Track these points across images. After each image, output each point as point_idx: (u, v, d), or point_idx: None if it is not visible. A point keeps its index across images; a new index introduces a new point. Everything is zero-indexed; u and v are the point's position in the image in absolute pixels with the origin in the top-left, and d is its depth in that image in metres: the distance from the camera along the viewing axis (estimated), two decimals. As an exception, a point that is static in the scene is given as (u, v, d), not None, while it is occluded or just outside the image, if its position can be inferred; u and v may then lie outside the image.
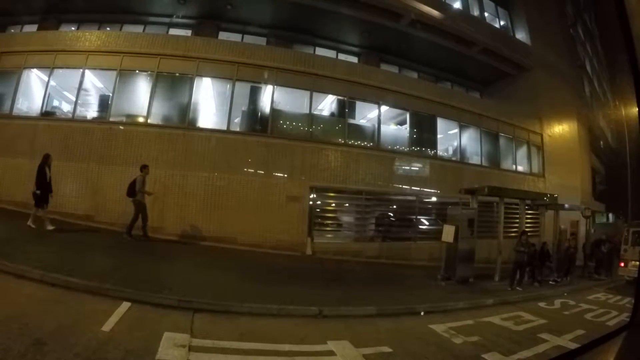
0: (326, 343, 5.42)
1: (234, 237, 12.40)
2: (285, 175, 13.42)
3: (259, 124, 14.20)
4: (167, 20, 18.02)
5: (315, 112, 15.04)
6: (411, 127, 16.35)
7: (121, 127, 13.07)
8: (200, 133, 13.29)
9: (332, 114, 15.81)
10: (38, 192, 9.89)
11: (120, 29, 17.44)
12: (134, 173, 12.06)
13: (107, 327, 4.83)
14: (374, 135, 15.49)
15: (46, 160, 10.22)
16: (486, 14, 21.33)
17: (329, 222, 14.37)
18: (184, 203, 12.33)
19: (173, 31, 17.72)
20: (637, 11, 2.09)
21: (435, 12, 17.96)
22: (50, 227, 10.00)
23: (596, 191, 26.36)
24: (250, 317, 6.16)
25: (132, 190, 10.88)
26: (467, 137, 18.04)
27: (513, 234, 14.38)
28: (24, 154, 12.60)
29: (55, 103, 15.00)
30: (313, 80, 14.31)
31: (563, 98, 21.86)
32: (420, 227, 15.52)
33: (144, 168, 11.04)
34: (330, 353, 5.13)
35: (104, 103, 13.91)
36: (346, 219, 14.87)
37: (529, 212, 15.92)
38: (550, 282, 13.03)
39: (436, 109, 16.64)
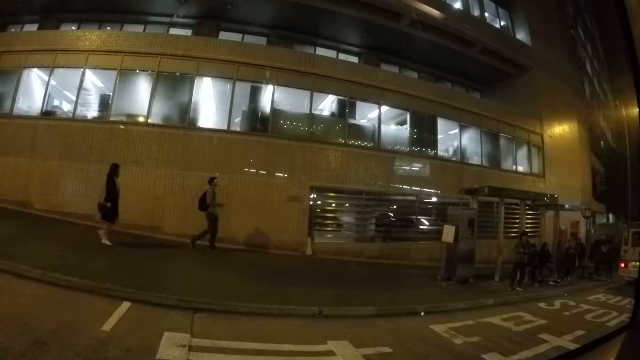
0: (326, 343, 5.41)
1: (234, 237, 12.40)
2: (286, 175, 13.43)
3: (260, 124, 14.21)
4: (167, 19, 18.02)
5: (315, 112, 15.05)
6: (411, 127, 16.36)
7: (122, 127, 13.07)
8: (200, 133, 13.31)
9: (333, 114, 15.83)
10: (109, 204, 9.37)
11: (121, 29, 17.43)
12: (134, 173, 12.14)
13: (107, 326, 4.82)
14: (374, 135, 15.50)
15: (115, 171, 9.77)
16: (486, 14, 21.34)
17: (329, 222, 14.38)
18: (184, 203, 12.31)
19: (173, 31, 17.72)
20: (638, 11, 2.09)
21: (435, 12, 17.96)
22: (106, 242, 9.33)
23: (596, 191, 26.37)
24: (250, 317, 6.15)
25: (203, 204, 10.91)
26: (467, 137, 18.05)
27: (513, 234, 14.40)
28: (25, 154, 12.65)
29: (56, 102, 14.99)
30: (313, 80, 14.32)
31: (563, 98, 21.89)
32: (421, 227, 15.52)
33: (212, 180, 11.12)
34: (330, 353, 5.12)
35: (105, 102, 13.93)
36: (346, 219, 14.88)
37: (529, 212, 15.92)
38: (551, 283, 13.02)
39: (436, 109, 16.65)
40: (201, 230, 10.88)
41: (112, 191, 9.55)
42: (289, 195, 13.17)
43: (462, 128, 17.61)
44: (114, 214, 9.55)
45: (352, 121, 15.47)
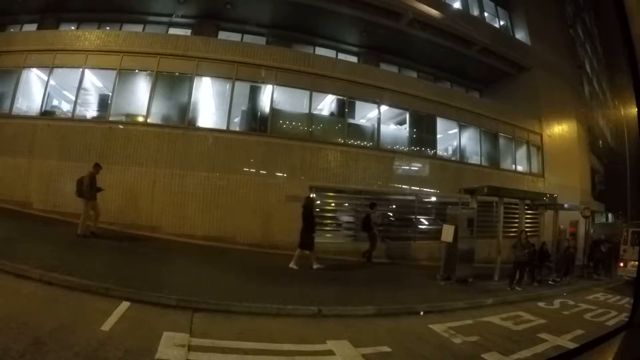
0: (325, 342, 5.41)
1: (234, 236, 12.41)
2: (285, 175, 13.42)
3: (259, 124, 14.20)
4: (166, 19, 17.99)
5: (314, 112, 15.03)
6: (411, 126, 16.35)
7: (121, 127, 13.06)
8: (199, 132, 13.29)
9: (332, 114, 15.81)
10: (314, 235, 10.36)
11: (120, 29, 17.40)
12: (134, 172, 12.12)
13: (106, 326, 4.82)
14: (373, 135, 15.48)
15: (312, 203, 10.91)
16: (486, 14, 21.33)
17: (329, 221, 14.35)
18: (183, 202, 12.33)
19: (173, 30, 17.68)
20: (636, 11, 2.09)
21: (434, 12, 17.95)
22: (316, 266, 10.32)
23: (595, 191, 26.36)
24: (249, 317, 6.16)
25: (367, 226, 12.52)
26: (466, 137, 18.05)
27: (512, 234, 14.39)
28: (24, 154, 12.65)
29: (55, 102, 14.96)
30: (312, 80, 14.30)
31: (562, 98, 21.90)
32: (420, 226, 15.52)
33: (374, 206, 12.94)
34: (330, 352, 5.12)
35: (104, 102, 13.89)
36: (346, 218, 14.86)
37: (529, 212, 15.92)
38: (550, 282, 13.04)
39: (436, 108, 16.64)
40: (368, 249, 12.58)
41: (312, 222, 10.44)
42: (288, 195, 13.15)
43: (462, 128, 17.60)
44: (311, 245, 10.33)
45: (351, 121, 15.44)
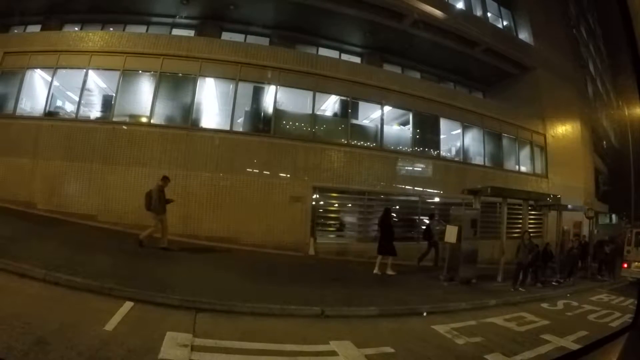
0: (328, 343, 5.41)
1: (237, 237, 12.42)
2: (288, 176, 13.44)
3: (262, 124, 14.21)
4: (170, 20, 18.07)
5: (318, 113, 15.02)
6: (414, 127, 16.33)
7: (124, 127, 13.12)
8: (203, 133, 13.33)
9: (335, 115, 15.82)
10: (393, 242, 11.18)
11: (124, 30, 17.50)
12: (137, 173, 12.16)
13: (109, 326, 4.84)
14: (376, 135, 15.50)
15: (390, 213, 11.70)
16: (489, 14, 21.31)
17: (332, 222, 14.37)
18: (186, 203, 12.33)
19: (176, 31, 17.76)
20: (640, 11, 2.09)
21: (438, 12, 17.95)
22: (391, 273, 11.06)
23: (599, 192, 26.26)
24: (252, 317, 6.17)
25: (429, 234, 13.42)
26: (470, 138, 18.02)
27: (516, 235, 14.36)
28: (28, 154, 12.71)
29: (59, 103, 15.04)
30: (316, 81, 14.33)
31: (566, 98, 21.83)
32: (423, 227, 15.47)
33: (432, 216, 14.05)
34: (333, 353, 5.12)
35: (107, 103, 13.95)
36: (349, 219, 14.85)
37: (532, 212, 15.85)
38: (553, 283, 12.99)
39: (439, 109, 16.63)
40: (423, 252, 13.24)
41: (391, 231, 11.23)
42: (291, 195, 13.18)
43: (465, 128, 17.58)
44: (393, 251, 11.13)
45: (354, 121, 15.47)
